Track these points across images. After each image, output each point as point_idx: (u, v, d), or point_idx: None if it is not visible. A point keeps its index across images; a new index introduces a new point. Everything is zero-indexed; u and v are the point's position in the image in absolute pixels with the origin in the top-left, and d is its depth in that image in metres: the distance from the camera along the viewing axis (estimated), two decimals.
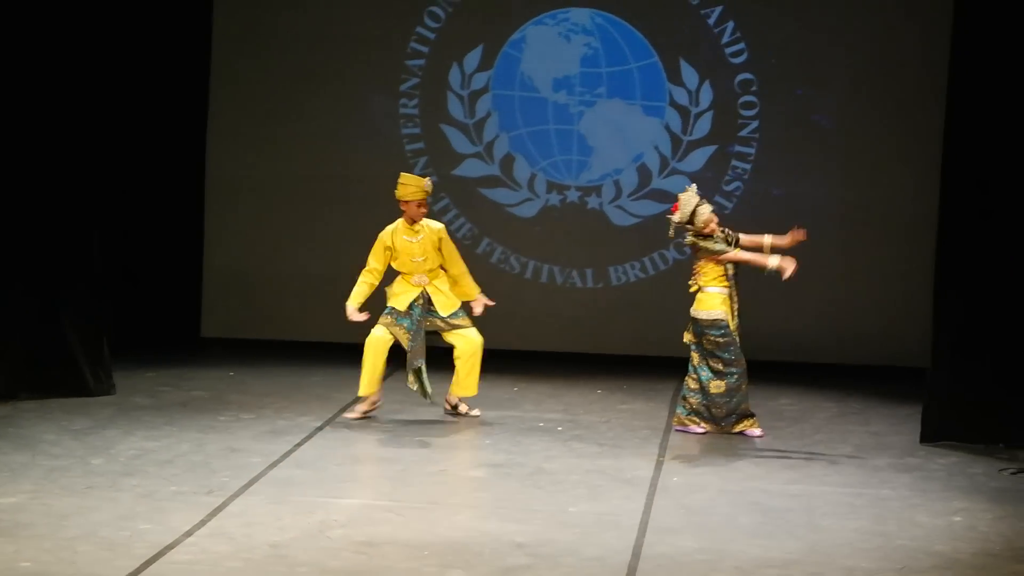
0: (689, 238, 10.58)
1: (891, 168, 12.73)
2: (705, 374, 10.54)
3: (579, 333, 13.08)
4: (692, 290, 10.60)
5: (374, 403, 10.98)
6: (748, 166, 12.91)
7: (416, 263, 10.93)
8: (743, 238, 10.64)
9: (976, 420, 10.47)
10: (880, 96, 12.70)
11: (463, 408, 11.07)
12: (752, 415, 10.62)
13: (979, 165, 10.42)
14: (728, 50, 12.91)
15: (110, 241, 12.06)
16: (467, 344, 10.94)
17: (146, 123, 12.95)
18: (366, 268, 10.99)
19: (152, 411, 10.85)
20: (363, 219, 13.15)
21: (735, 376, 10.52)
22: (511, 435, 10.52)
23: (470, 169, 13.20)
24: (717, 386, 10.54)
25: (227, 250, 13.26)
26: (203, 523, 8.29)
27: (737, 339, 10.51)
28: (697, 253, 10.58)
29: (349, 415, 10.95)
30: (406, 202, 10.96)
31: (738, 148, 12.96)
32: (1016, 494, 9.39)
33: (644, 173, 13.05)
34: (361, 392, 10.94)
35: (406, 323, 10.90)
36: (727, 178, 12.93)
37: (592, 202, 13.12)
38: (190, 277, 13.28)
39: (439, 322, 10.98)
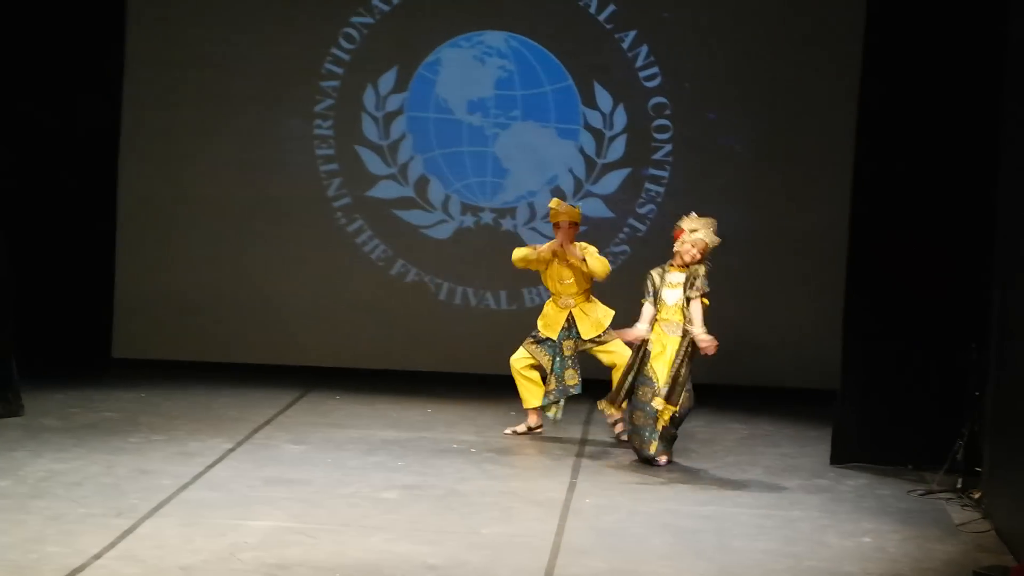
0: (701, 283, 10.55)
1: (802, 191, 12.84)
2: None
3: (493, 355, 13.02)
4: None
5: (531, 426, 11.23)
6: (661, 189, 12.99)
7: (564, 285, 11.09)
8: None
9: (885, 442, 10.57)
10: (791, 120, 12.82)
11: (619, 427, 11.12)
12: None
13: (888, 189, 10.54)
14: (642, 74, 12.99)
15: (18, 261, 11.94)
16: (617, 361, 10.96)
17: (57, 143, 12.85)
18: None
19: (61, 432, 10.74)
20: (276, 240, 13.15)
21: (632, 404, 10.57)
22: (424, 457, 10.51)
23: (384, 191, 13.20)
24: (688, 401, 10.55)
25: (139, 271, 13.17)
26: (112, 546, 8.21)
27: (655, 374, 10.51)
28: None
29: (511, 430, 11.24)
30: (556, 225, 11.11)
31: (651, 171, 13.04)
32: (924, 515, 9.48)
33: (558, 195, 13.08)
34: (528, 405, 11.17)
35: (547, 346, 11.08)
36: (640, 201, 13.00)
37: (506, 224, 13.15)
38: (101, 298, 13.17)
39: (583, 344, 11.09)
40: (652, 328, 10.52)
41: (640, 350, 10.51)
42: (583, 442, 11.13)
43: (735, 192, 12.93)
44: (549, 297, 11.41)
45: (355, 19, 13.10)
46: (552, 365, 11.09)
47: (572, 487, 9.86)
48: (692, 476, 10.27)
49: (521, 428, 11.30)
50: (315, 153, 13.19)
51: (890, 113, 10.54)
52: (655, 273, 10.61)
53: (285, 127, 13.16)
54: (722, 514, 9.35)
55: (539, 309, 13.01)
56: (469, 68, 13.14)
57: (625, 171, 13.06)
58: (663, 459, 10.42)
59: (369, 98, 13.15)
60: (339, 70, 13.13)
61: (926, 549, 8.78)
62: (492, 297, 13.17)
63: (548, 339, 11.16)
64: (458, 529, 8.84)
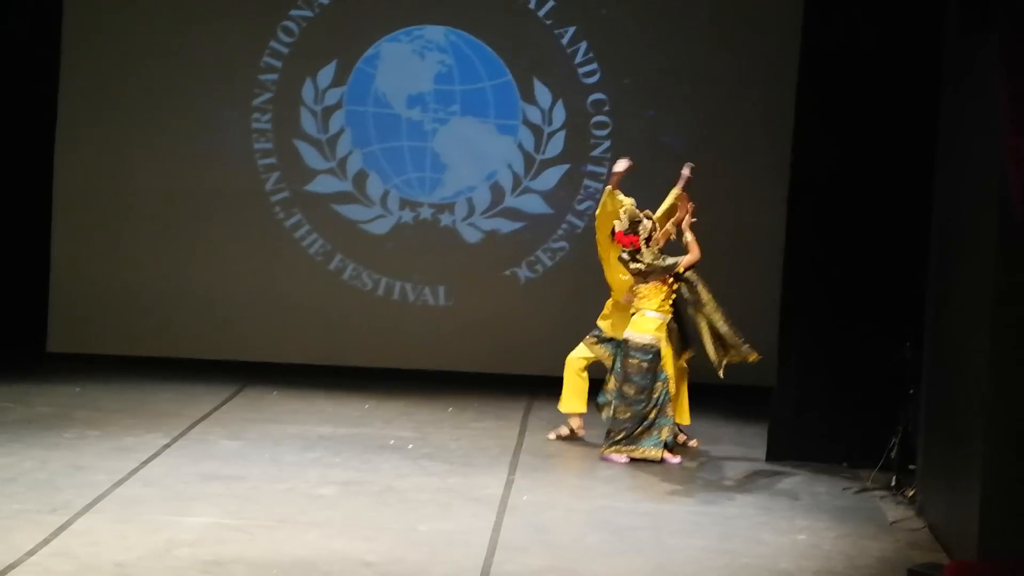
0: (639, 265, 10.57)
1: (739, 190, 12.88)
2: (616, 400, 10.57)
3: (431, 351, 13.08)
4: (631, 313, 10.64)
5: (580, 426, 11.06)
6: (600, 185, 12.98)
7: (624, 281, 10.93)
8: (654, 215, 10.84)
9: (820, 439, 10.63)
10: (729, 118, 12.86)
11: (681, 438, 11.02)
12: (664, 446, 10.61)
13: (824, 188, 10.60)
14: (581, 70, 13.01)
15: None
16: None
17: None
18: None
19: None
20: (214, 234, 13.08)
21: (642, 404, 10.53)
22: (361, 453, 10.49)
23: (323, 185, 13.15)
24: (623, 411, 10.56)
25: (75, 264, 13.08)
26: (46, 542, 8.17)
27: (666, 370, 10.54)
28: (648, 277, 10.58)
29: (550, 435, 11.09)
30: None
31: (590, 168, 13.05)
32: (859, 513, 9.55)
33: (497, 191, 13.10)
34: (560, 408, 11.05)
35: (609, 345, 10.95)
36: (579, 197, 13.01)
37: (445, 219, 13.14)
38: (36, 291, 13.07)
39: None
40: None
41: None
42: (521, 439, 11.13)
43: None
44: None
45: (294, 12, 13.04)
46: (613, 364, 10.91)
47: (510, 484, 9.87)
48: (629, 474, 10.30)
49: (564, 431, 11.14)
50: (253, 147, 13.12)
51: (827, 112, 10.60)
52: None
53: (223, 120, 13.09)
54: (659, 511, 9.39)
55: (477, 305, 13.07)
56: (408, 63, 13.11)
57: (564, 167, 13.07)
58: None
59: (308, 92, 13.10)
60: (277, 63, 13.08)
61: (860, 546, 8.84)
62: (430, 293, 13.15)
63: (612, 339, 10.99)
64: (395, 526, 8.84)
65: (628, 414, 10.52)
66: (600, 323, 11.12)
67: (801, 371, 10.64)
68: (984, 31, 8.42)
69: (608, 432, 10.61)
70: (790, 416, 10.66)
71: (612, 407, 10.68)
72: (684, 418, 10.99)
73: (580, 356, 11.07)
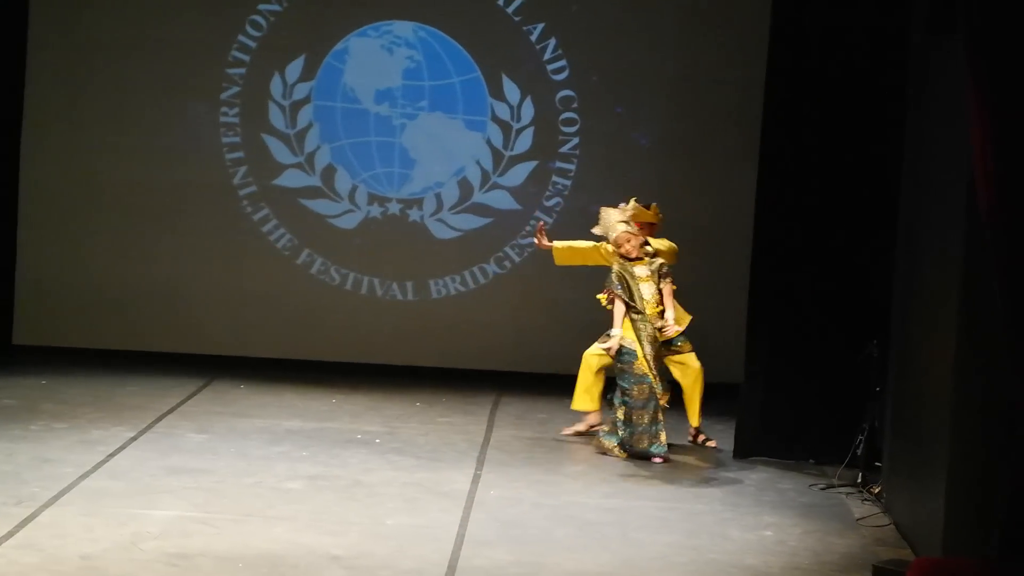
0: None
1: (708, 187, 12.91)
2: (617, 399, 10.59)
3: (399, 345, 13.07)
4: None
5: (591, 425, 11.04)
6: (568, 182, 13.02)
7: None
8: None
9: (787, 436, 10.67)
10: (698, 115, 12.88)
11: (700, 438, 11.05)
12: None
13: (792, 185, 10.64)
14: (550, 67, 13.02)
15: None
16: (686, 373, 10.93)
17: None
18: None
19: None
20: (181, 227, 13.05)
21: (629, 406, 10.54)
22: (328, 447, 10.48)
23: (291, 179, 13.13)
24: (619, 410, 10.58)
25: (41, 256, 13.03)
26: (11, 534, 8.14)
27: (648, 369, 10.49)
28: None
29: (566, 431, 11.10)
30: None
31: (559, 164, 13.06)
32: (825, 509, 9.58)
33: (465, 187, 13.10)
34: (573, 406, 11.04)
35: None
36: (548, 194, 13.02)
37: (413, 215, 13.13)
38: (1, 283, 13.01)
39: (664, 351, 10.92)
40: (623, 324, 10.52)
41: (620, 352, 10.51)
42: (489, 434, 11.14)
43: (642, 186, 12.94)
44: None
45: (262, 6, 13.02)
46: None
47: (477, 479, 9.87)
48: (596, 469, 10.32)
49: (581, 428, 11.14)
50: (221, 140, 13.10)
51: (795, 111, 10.64)
52: (619, 270, 10.57)
53: (191, 113, 13.06)
54: (625, 507, 9.41)
55: (445, 300, 13.08)
56: (377, 58, 13.11)
57: (532, 163, 13.08)
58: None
59: (276, 86, 13.08)
60: (246, 57, 13.05)
61: (826, 543, 8.88)
62: (398, 288, 13.14)
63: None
64: (362, 520, 8.84)
65: (620, 415, 10.54)
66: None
67: (768, 368, 10.67)
68: (950, 31, 8.46)
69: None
70: (757, 413, 10.69)
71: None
72: (692, 419, 11.04)
73: (593, 354, 11.04)
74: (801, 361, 10.62)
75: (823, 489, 10.02)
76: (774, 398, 10.66)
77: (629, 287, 10.56)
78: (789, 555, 8.61)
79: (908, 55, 9.93)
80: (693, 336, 12.48)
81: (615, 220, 10.76)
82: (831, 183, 10.61)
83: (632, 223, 10.79)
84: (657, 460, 10.45)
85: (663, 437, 10.50)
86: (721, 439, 11.08)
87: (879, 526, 9.27)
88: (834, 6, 10.51)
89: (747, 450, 10.71)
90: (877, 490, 9.85)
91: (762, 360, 10.70)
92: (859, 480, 10.03)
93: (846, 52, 10.52)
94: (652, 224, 11.12)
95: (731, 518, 9.27)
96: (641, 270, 10.64)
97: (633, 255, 10.63)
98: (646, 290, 10.59)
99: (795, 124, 10.63)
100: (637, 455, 10.49)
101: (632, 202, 11.02)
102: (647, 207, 11.11)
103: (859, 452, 10.12)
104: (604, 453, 10.60)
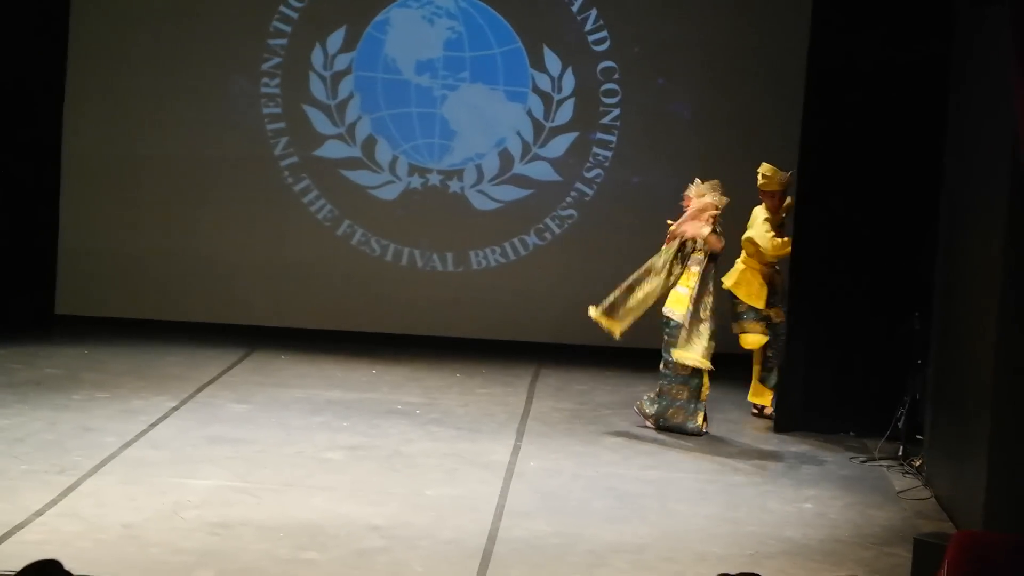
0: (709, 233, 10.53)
1: (748, 158, 12.83)
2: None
3: (439, 317, 13.08)
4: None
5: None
6: (609, 153, 12.99)
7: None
8: None
9: (828, 409, 10.63)
10: (739, 86, 12.82)
11: (768, 410, 11.04)
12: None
13: (834, 158, 10.59)
14: (591, 38, 12.98)
15: None
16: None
17: (1, 98, 12.71)
18: None
19: (4, 389, 10.66)
20: (222, 198, 13.08)
21: (667, 379, 10.53)
22: (368, 418, 10.50)
23: (332, 150, 13.14)
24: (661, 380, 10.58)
25: (84, 228, 13.08)
26: (54, 503, 8.19)
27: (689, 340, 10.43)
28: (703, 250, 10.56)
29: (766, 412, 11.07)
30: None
31: (599, 135, 13.03)
32: (865, 482, 9.56)
33: (506, 158, 13.08)
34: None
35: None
36: (588, 165, 12.99)
37: (454, 186, 13.12)
38: (45, 254, 13.07)
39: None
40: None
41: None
42: (528, 406, 11.14)
43: (682, 158, 12.93)
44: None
45: None
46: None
47: (516, 450, 9.88)
48: (636, 441, 10.31)
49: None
50: (262, 112, 13.11)
51: (837, 82, 10.59)
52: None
53: (232, 85, 13.07)
54: (665, 479, 9.40)
55: (485, 271, 13.09)
56: (418, 28, 13.09)
57: (573, 135, 13.05)
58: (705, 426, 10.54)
59: (317, 57, 13.08)
60: (287, 28, 13.05)
61: (867, 515, 8.86)
62: (438, 259, 13.14)
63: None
64: (402, 490, 8.86)
65: (658, 389, 10.54)
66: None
67: (810, 341, 10.64)
68: (992, 3, 8.40)
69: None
70: (798, 386, 10.66)
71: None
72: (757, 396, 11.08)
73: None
74: (843, 334, 10.58)
75: (864, 462, 9.99)
76: (816, 372, 10.62)
77: (680, 255, 10.52)
78: (829, 527, 8.59)
79: (952, 28, 9.86)
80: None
81: (712, 199, 10.67)
82: (874, 155, 10.57)
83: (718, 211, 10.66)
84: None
85: (700, 417, 10.43)
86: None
87: (920, 499, 9.24)
88: None
89: (788, 423, 10.68)
90: (918, 463, 9.82)
91: (804, 333, 10.66)
92: (900, 453, 10.00)
93: (889, 24, 10.45)
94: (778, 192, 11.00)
95: (771, 490, 9.25)
96: (695, 257, 10.56)
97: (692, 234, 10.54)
98: (678, 269, 10.54)
99: (838, 96, 10.58)
100: (670, 428, 10.46)
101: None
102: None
103: (900, 425, 10.09)
104: (641, 415, 10.57)
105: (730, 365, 12.26)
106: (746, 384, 11.18)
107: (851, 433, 10.55)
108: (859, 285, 10.59)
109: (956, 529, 8.49)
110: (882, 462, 9.97)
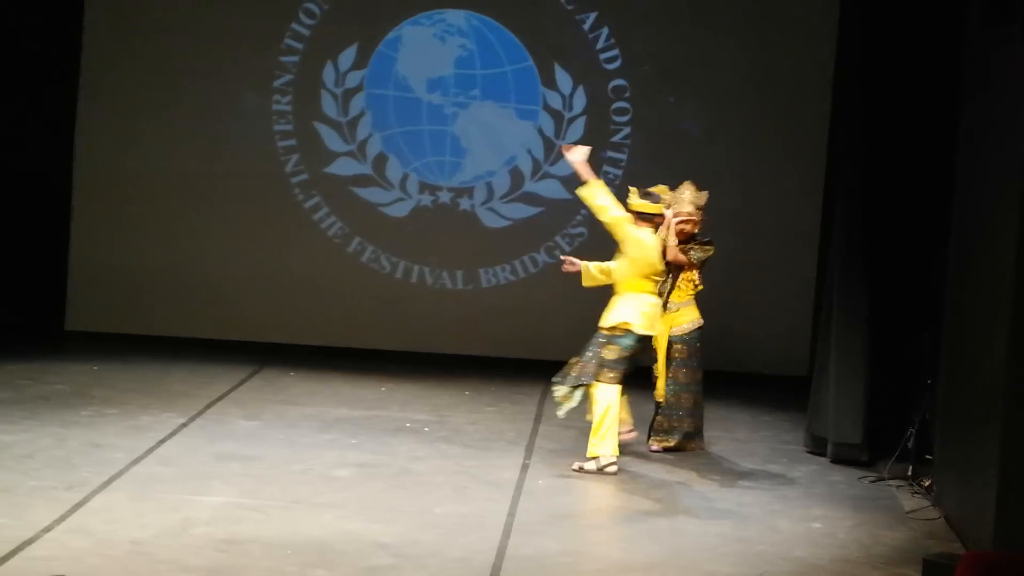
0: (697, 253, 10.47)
1: (758, 177, 12.85)
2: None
3: (448, 334, 13.09)
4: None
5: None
6: (620, 172, 12.99)
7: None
8: None
9: (836, 428, 10.58)
10: (750, 104, 12.83)
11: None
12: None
13: (860, 176, 10.53)
14: (602, 56, 12.99)
15: None
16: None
17: (12, 115, 12.75)
18: None
19: (12, 405, 10.66)
20: (233, 215, 13.11)
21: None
22: (377, 435, 10.49)
23: (342, 167, 13.16)
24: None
25: (94, 244, 13.10)
26: (63, 519, 8.18)
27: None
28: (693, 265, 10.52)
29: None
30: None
31: (610, 154, 13.04)
32: (874, 502, 9.53)
33: (516, 176, 13.09)
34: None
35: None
36: None
37: (464, 204, 13.14)
38: (54, 270, 13.09)
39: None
40: None
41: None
42: (537, 424, 11.13)
43: (694, 176, 12.87)
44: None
45: None
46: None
47: (525, 468, 9.87)
48: (645, 459, 10.29)
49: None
50: (273, 129, 13.14)
51: (856, 106, 10.54)
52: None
53: (243, 102, 13.11)
54: (674, 497, 9.39)
55: (495, 289, 13.10)
56: (429, 46, 13.12)
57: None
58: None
59: (328, 74, 13.11)
60: (299, 45, 13.08)
61: (876, 536, 8.83)
62: (448, 276, 13.15)
63: None
64: (411, 508, 8.84)
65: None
66: None
67: (819, 361, 10.61)
68: (1005, 23, 8.39)
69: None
70: (809, 406, 10.63)
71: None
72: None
73: None
74: (852, 353, 10.54)
75: (873, 482, 9.96)
76: (828, 390, 10.57)
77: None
78: (838, 547, 8.57)
79: (964, 47, 9.85)
80: (739, 327, 12.46)
81: (688, 199, 10.59)
82: (886, 176, 10.53)
83: (699, 212, 10.60)
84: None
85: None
86: (769, 430, 11.04)
87: (929, 519, 9.21)
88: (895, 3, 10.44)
89: (799, 441, 10.64)
90: (927, 483, 9.79)
91: (814, 354, 10.62)
92: (909, 473, 9.97)
93: (905, 45, 10.43)
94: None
95: (780, 510, 9.23)
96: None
97: (681, 238, 10.51)
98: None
99: (856, 119, 10.54)
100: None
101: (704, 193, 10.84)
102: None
103: (910, 445, 10.06)
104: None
105: (737, 384, 12.31)
106: (754, 404, 11.16)
107: (863, 457, 10.48)
108: (868, 304, 10.55)
109: (966, 550, 8.47)
110: (891, 482, 9.94)
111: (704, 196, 10.59)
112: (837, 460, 10.34)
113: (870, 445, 10.41)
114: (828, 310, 10.60)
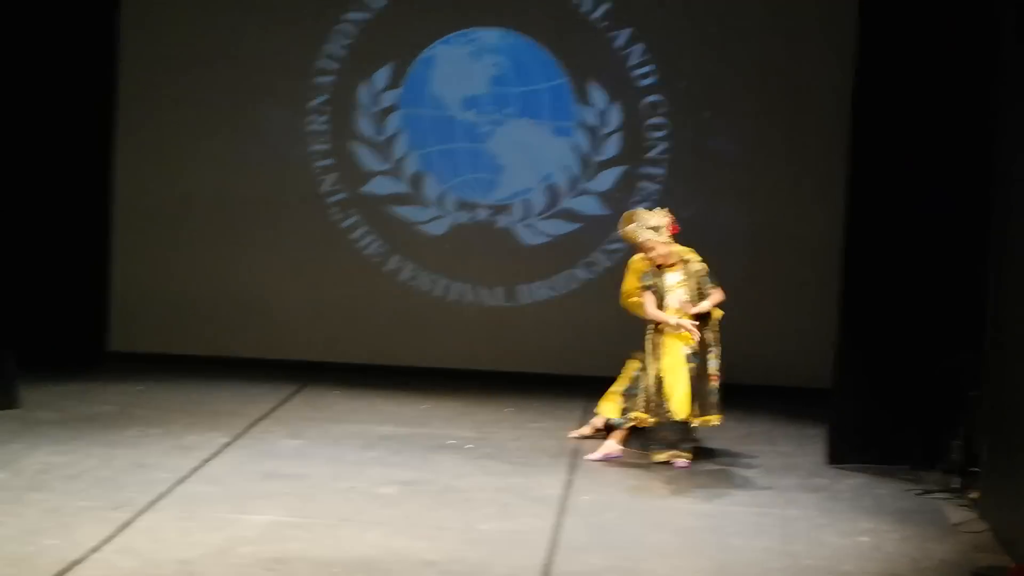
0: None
1: (796, 192, 12.85)
2: None
3: (489, 351, 13.10)
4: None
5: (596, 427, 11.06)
6: (657, 187, 12.99)
7: None
8: None
9: (880, 442, 10.56)
10: (787, 120, 12.82)
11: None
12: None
13: (884, 191, 10.54)
14: (637, 72, 13.00)
15: (16, 254, 11.95)
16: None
17: (54, 137, 12.81)
18: None
19: (58, 426, 10.72)
20: (272, 235, 13.15)
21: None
22: (421, 452, 10.50)
23: (379, 186, 13.20)
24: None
25: (136, 264, 13.16)
26: (110, 539, 8.21)
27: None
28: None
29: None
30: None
31: (646, 169, 13.04)
32: (921, 515, 9.49)
33: (553, 192, 13.11)
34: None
35: None
36: (636, 199, 12.98)
37: (501, 221, 13.16)
38: (98, 291, 13.15)
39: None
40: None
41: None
42: (581, 440, 11.11)
43: (730, 192, 12.95)
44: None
45: (350, 15, 13.10)
46: None
47: (569, 484, 9.86)
48: (689, 474, 10.28)
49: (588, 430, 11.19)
50: (310, 149, 13.18)
51: (885, 116, 10.54)
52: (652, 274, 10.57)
53: (280, 122, 13.16)
54: (720, 512, 9.37)
55: (534, 306, 13.11)
56: (463, 65, 13.15)
57: (620, 169, 13.07)
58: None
59: (364, 94, 13.15)
60: (334, 66, 13.13)
61: (923, 549, 8.79)
62: (488, 294, 13.17)
63: None
64: (455, 525, 8.85)
65: None
66: None
67: (861, 373, 10.58)
68: None
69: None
70: (851, 419, 10.60)
71: None
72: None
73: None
74: (895, 365, 10.52)
75: (919, 495, 9.92)
76: (868, 404, 10.55)
77: (660, 294, 10.51)
78: (886, 561, 8.54)
79: (999, 57, 9.83)
80: (783, 340, 12.43)
81: (648, 224, 10.61)
82: (923, 186, 10.51)
83: (665, 231, 10.61)
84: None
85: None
86: (814, 444, 10.99)
87: (976, 532, 9.17)
88: (923, 9, 10.42)
89: (840, 456, 10.61)
90: (974, 495, 9.74)
91: (855, 366, 10.60)
92: (956, 485, 9.93)
93: (937, 56, 10.41)
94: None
95: (826, 524, 9.21)
96: (673, 277, 10.57)
97: (662, 263, 10.52)
98: (674, 298, 10.50)
99: (886, 130, 10.53)
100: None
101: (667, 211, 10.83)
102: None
103: (955, 457, 10.02)
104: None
105: (778, 398, 12.28)
106: (798, 418, 11.12)
107: (906, 466, 10.45)
108: (911, 315, 10.53)
109: (1013, 562, 8.44)
110: (937, 495, 9.90)
111: (653, 215, 10.60)
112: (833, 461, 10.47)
113: (909, 458, 10.40)
114: (855, 324, 10.59)
